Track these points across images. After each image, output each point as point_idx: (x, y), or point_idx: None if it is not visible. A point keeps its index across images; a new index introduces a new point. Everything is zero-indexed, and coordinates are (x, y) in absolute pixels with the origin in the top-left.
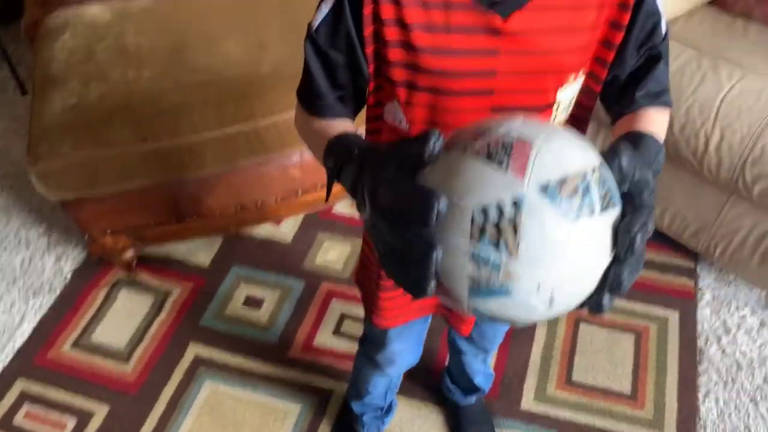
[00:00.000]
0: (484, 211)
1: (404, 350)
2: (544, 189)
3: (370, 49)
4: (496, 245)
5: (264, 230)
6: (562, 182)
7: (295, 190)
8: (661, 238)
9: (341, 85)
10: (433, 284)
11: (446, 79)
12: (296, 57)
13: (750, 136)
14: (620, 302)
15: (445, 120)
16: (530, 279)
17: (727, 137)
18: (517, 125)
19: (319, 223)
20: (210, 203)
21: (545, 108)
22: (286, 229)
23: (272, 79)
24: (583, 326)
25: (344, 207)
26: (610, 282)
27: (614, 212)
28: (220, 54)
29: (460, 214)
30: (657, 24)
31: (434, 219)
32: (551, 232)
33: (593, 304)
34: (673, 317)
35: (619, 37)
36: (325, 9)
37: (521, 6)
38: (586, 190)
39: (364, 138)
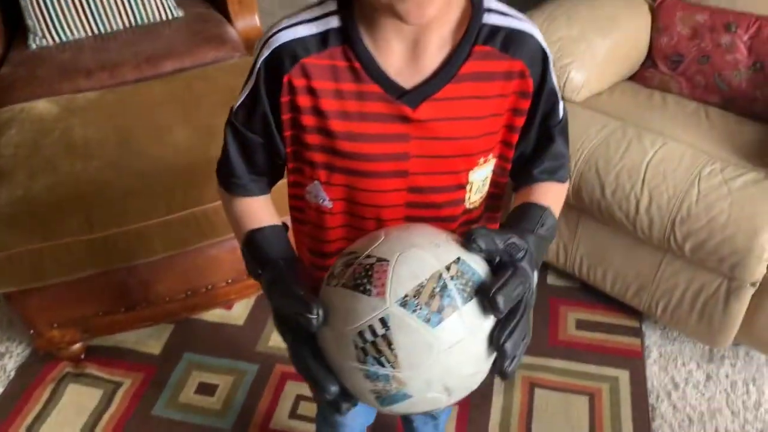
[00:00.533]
0: (361, 335)
1: (355, 412)
2: (404, 303)
3: (288, 133)
4: (379, 361)
5: (215, 314)
6: (418, 291)
7: (245, 271)
8: (606, 300)
9: (257, 164)
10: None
11: (362, 162)
12: None
13: (676, 197)
14: (572, 365)
15: (365, 199)
16: (419, 380)
17: (655, 199)
18: (379, 243)
19: None
20: (159, 289)
21: (459, 188)
22: (238, 312)
23: None
24: (538, 390)
25: None
26: (498, 353)
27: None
28: (168, 142)
29: (345, 341)
30: (555, 106)
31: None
32: (420, 338)
33: (498, 375)
34: (624, 376)
35: (521, 121)
36: (244, 94)
37: (428, 97)
38: (444, 290)
39: (284, 225)
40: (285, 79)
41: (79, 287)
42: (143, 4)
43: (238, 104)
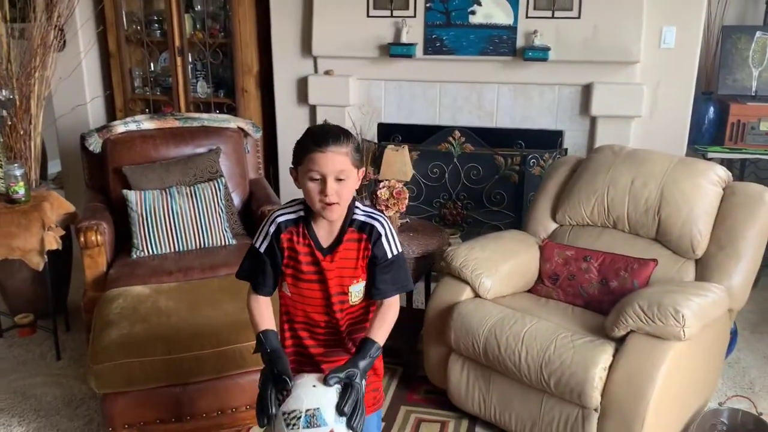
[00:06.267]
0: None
1: None
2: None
3: (283, 260)
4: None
5: None
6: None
7: None
8: None
9: (266, 274)
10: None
11: (302, 274)
12: None
13: (542, 349)
14: None
15: (304, 292)
16: None
17: (530, 352)
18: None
19: None
20: (201, 405)
21: (344, 294)
22: None
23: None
24: None
25: None
26: (347, 419)
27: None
28: (219, 309)
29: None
30: (385, 256)
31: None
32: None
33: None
34: None
35: (367, 260)
36: (265, 243)
37: (332, 251)
38: (298, 418)
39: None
40: (282, 236)
41: (149, 397)
42: (210, 235)
43: (259, 245)
